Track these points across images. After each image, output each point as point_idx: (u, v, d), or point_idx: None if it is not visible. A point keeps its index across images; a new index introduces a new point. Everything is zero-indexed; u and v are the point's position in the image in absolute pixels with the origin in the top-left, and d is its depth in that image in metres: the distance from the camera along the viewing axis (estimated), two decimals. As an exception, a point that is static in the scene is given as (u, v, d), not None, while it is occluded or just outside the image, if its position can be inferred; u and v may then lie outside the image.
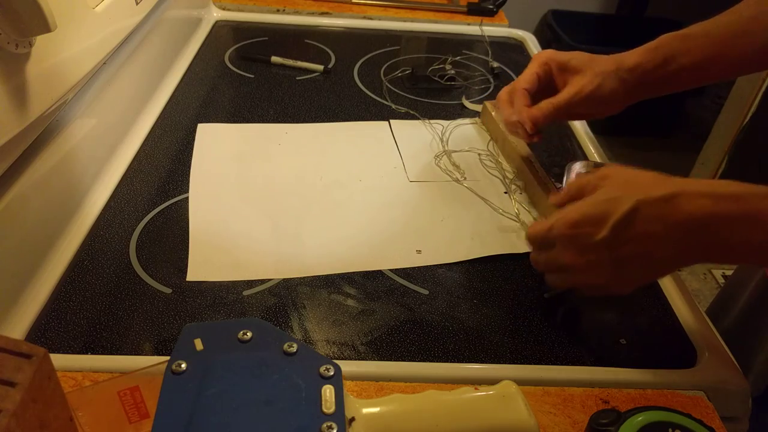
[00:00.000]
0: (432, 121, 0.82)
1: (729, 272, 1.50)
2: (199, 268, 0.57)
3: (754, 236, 0.43)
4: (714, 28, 0.60)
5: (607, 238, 0.46)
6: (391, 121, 0.81)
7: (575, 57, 0.64)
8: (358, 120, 0.82)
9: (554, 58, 0.65)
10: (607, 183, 0.49)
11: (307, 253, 0.60)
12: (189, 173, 0.70)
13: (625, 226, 0.45)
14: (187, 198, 0.66)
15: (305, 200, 0.67)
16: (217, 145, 0.75)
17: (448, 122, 0.82)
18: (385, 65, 0.97)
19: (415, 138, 0.79)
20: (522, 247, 0.61)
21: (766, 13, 0.58)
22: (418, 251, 0.61)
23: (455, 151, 0.75)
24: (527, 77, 0.65)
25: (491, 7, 1.14)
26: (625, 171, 0.50)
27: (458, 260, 0.60)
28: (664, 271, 0.51)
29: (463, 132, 0.80)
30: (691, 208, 0.44)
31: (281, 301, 0.55)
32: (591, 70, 0.62)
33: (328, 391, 0.36)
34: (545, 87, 0.66)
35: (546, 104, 0.64)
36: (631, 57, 0.62)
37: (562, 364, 0.51)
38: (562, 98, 0.63)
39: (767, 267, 0.48)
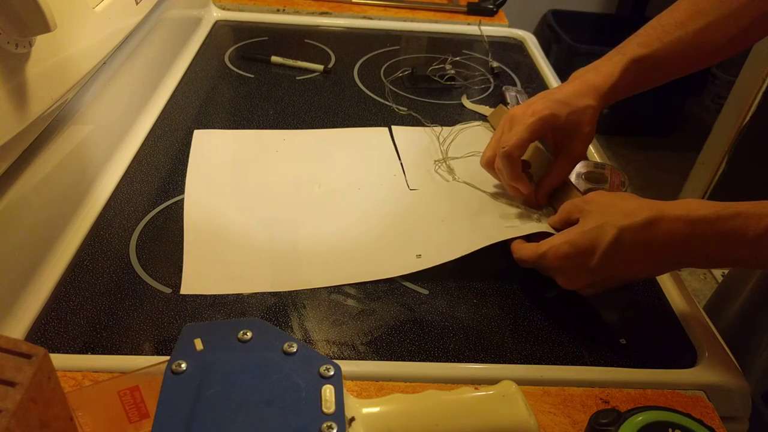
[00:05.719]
0: (436, 126, 0.80)
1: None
2: (193, 281, 0.56)
3: (728, 252, 0.48)
4: (673, 43, 0.61)
5: (597, 266, 0.51)
6: (392, 127, 0.80)
7: (569, 110, 0.59)
8: (359, 120, 0.82)
9: (551, 123, 0.59)
10: (593, 207, 0.53)
11: (305, 265, 0.59)
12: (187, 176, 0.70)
13: (612, 253, 0.50)
14: (187, 198, 0.66)
15: (303, 209, 0.66)
16: (214, 153, 0.73)
17: (451, 128, 0.80)
18: (385, 65, 0.97)
19: (416, 144, 0.77)
20: (525, 229, 0.59)
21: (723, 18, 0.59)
22: (418, 256, 0.60)
23: (456, 158, 0.73)
24: (520, 143, 0.59)
25: (491, 6, 1.15)
26: (608, 195, 0.54)
27: (460, 255, 0.58)
28: (640, 279, 0.57)
29: (469, 135, 0.79)
30: (670, 230, 0.48)
31: (281, 301, 0.55)
32: (584, 121, 0.60)
33: (328, 391, 0.36)
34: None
35: (547, 185, 0.62)
36: (605, 80, 0.61)
37: (562, 364, 0.51)
38: (562, 172, 0.62)
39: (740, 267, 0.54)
